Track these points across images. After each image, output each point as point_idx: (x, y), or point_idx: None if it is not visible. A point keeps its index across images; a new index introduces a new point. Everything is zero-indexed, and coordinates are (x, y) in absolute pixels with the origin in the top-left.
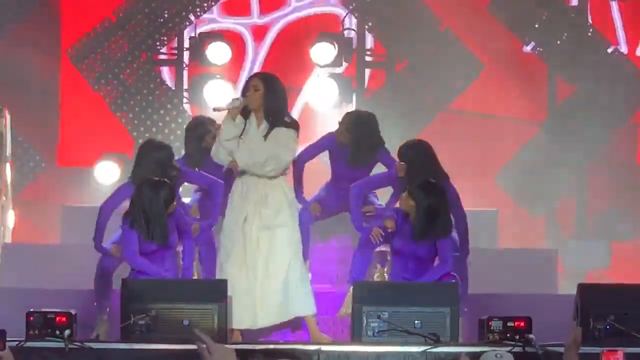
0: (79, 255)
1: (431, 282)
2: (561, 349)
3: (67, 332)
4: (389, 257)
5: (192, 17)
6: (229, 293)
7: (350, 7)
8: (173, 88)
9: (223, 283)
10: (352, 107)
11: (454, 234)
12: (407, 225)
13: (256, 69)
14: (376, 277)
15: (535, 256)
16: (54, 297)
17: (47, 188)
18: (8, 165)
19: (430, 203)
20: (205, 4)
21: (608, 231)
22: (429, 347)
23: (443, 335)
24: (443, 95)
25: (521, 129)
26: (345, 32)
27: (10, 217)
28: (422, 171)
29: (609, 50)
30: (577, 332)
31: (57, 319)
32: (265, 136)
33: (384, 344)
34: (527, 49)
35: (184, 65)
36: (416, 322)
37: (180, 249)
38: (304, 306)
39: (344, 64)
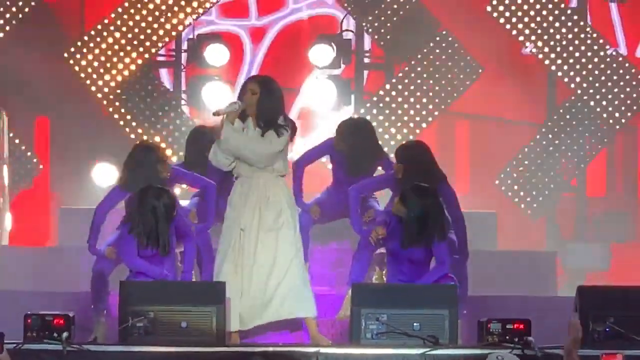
0: (77, 258)
1: (429, 284)
2: (560, 352)
3: (65, 334)
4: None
5: (190, 19)
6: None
7: (349, 8)
8: (171, 90)
9: (221, 285)
10: (350, 109)
11: (452, 236)
12: (401, 228)
13: (254, 71)
14: (375, 280)
15: (535, 258)
16: (52, 300)
17: (44, 190)
18: (5, 167)
19: (421, 209)
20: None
21: (608, 233)
22: (427, 349)
23: (442, 338)
24: (442, 97)
25: (521, 130)
26: (344, 33)
27: (7, 220)
28: (420, 172)
29: (609, 52)
30: (576, 324)
31: (55, 321)
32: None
33: (382, 346)
34: (527, 50)
35: (182, 67)
36: (415, 324)
37: (180, 250)
38: (306, 308)
39: (342, 66)
